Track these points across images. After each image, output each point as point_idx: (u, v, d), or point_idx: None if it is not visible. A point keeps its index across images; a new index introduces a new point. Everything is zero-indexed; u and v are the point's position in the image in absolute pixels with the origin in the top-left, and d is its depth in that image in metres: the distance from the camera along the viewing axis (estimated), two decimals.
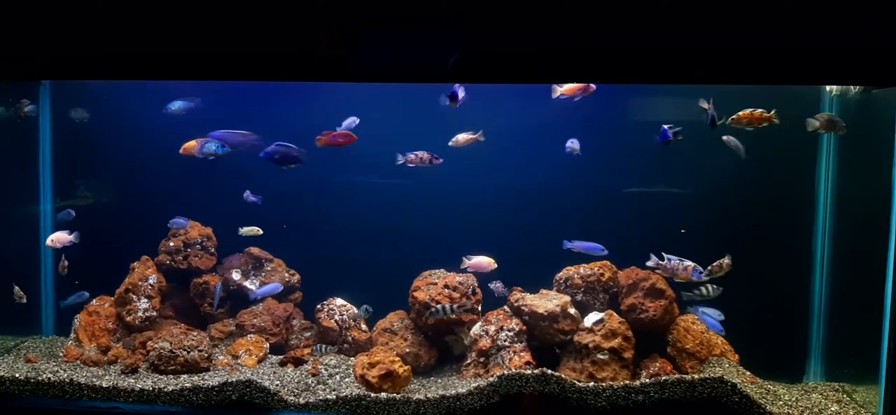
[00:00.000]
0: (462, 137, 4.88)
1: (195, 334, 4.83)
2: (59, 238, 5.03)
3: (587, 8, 3.36)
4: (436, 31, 3.46)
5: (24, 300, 5.09)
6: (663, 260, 4.39)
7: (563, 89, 4.63)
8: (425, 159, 4.79)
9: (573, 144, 4.80)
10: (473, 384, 4.25)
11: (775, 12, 3.33)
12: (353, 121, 4.90)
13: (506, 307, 4.91)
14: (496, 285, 5.05)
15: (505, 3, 3.38)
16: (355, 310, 5.11)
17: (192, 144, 4.86)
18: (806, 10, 3.31)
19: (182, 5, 3.49)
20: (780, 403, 4.18)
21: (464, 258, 4.98)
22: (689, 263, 4.33)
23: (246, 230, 5.21)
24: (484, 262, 4.95)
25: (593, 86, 4.67)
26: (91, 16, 3.53)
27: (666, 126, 4.40)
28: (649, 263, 4.47)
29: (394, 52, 3.53)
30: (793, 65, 3.44)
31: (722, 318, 4.52)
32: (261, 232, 5.23)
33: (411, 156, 4.80)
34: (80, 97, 5.32)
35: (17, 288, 5.06)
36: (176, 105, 5.08)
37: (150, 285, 5.14)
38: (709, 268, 4.39)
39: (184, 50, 3.58)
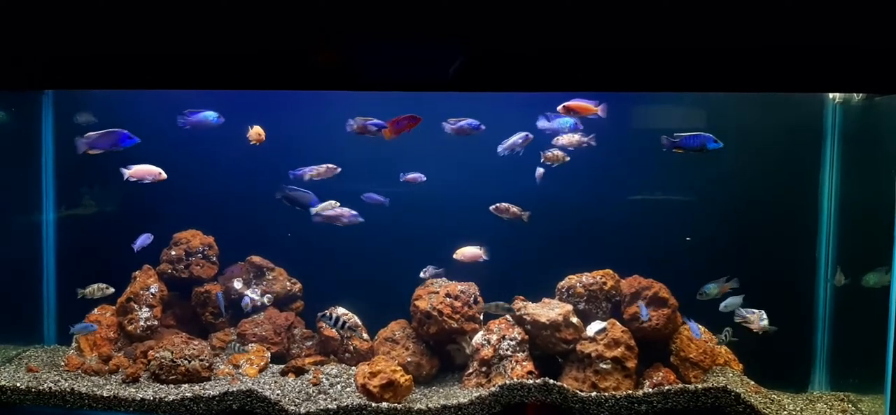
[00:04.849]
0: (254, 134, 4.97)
1: (196, 343, 4.83)
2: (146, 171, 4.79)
3: (584, 17, 3.36)
4: (437, 40, 3.46)
5: (109, 290, 4.92)
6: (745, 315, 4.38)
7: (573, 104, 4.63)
8: (520, 143, 4.81)
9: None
10: (475, 394, 4.23)
11: (776, 17, 3.33)
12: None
13: (508, 316, 4.89)
14: (428, 270, 5.08)
15: (508, 12, 3.39)
16: (357, 319, 5.09)
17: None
18: (808, 15, 3.31)
19: (178, 19, 3.50)
20: (785, 413, 4.15)
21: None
22: (754, 311, 4.36)
23: (320, 207, 4.97)
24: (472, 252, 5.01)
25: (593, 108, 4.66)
26: (87, 16, 3.54)
27: (678, 134, 4.35)
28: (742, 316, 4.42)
29: (393, 61, 3.53)
30: (794, 71, 3.43)
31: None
32: (338, 205, 5.02)
33: (507, 143, 4.81)
34: (84, 104, 5.32)
35: (97, 284, 4.94)
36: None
37: (152, 294, 5.14)
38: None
39: (180, 51, 3.60)
